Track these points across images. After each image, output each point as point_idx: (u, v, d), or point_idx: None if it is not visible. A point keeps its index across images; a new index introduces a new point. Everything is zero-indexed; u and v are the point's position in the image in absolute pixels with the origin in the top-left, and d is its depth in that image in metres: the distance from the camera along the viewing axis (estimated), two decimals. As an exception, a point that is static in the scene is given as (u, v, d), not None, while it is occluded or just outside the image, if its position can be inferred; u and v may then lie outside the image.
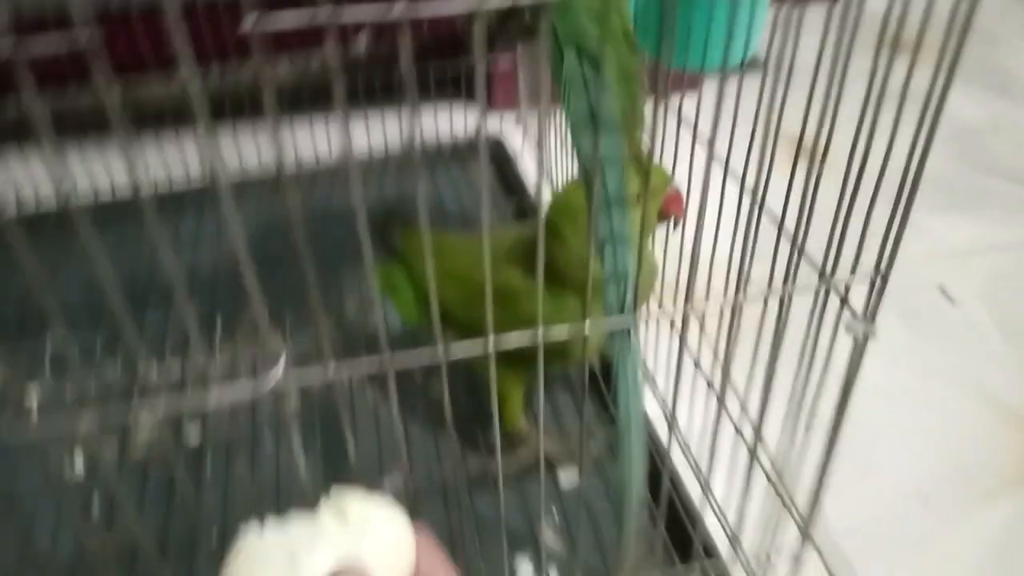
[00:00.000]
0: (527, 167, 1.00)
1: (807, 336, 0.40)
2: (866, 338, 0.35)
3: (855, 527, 0.61)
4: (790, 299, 0.38)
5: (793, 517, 0.48)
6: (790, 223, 0.41)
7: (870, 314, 0.35)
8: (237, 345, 0.73)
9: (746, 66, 0.46)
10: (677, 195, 0.53)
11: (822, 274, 0.37)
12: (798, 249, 0.37)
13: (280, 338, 0.30)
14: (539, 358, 0.36)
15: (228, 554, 0.30)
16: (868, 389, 0.43)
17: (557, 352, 0.56)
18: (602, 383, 0.69)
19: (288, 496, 0.63)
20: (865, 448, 0.67)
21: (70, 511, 0.63)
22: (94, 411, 0.30)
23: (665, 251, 0.57)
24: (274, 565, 0.29)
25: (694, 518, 0.57)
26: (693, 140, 0.52)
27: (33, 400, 0.72)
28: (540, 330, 0.35)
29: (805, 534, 0.47)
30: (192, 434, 0.68)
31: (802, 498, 0.47)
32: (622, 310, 0.39)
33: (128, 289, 0.27)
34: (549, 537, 0.59)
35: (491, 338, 0.34)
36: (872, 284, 0.34)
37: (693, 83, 0.58)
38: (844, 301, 0.37)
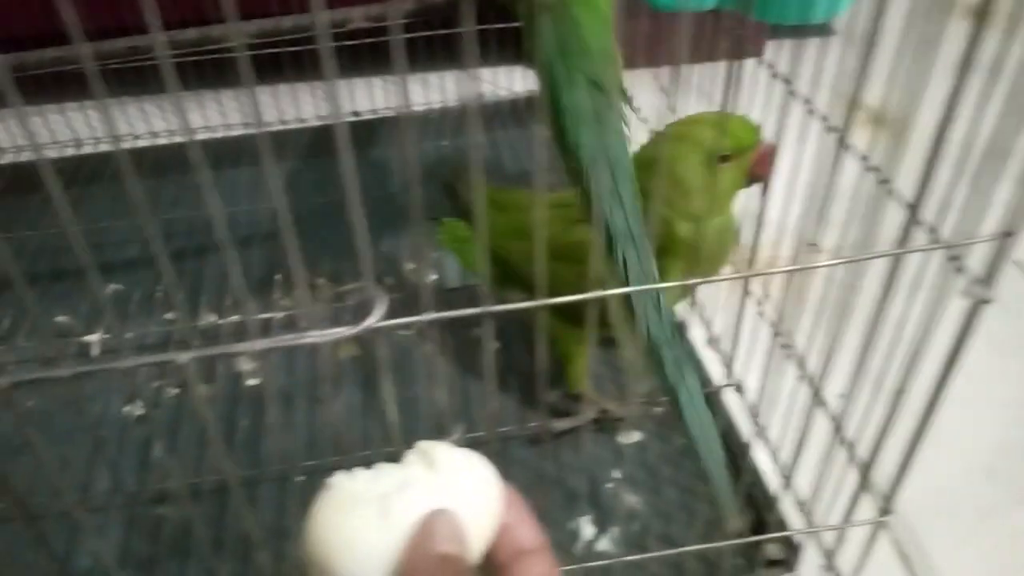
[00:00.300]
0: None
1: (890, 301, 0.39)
2: (984, 303, 0.34)
3: (920, 500, 0.59)
4: (896, 261, 0.37)
5: (864, 491, 0.47)
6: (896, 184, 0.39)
7: (989, 276, 0.34)
8: (321, 290, 0.73)
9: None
10: (766, 154, 0.51)
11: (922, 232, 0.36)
12: (912, 207, 0.35)
13: (378, 284, 0.29)
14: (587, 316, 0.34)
15: (316, 498, 0.30)
16: (938, 358, 0.41)
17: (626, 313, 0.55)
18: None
19: (346, 444, 0.63)
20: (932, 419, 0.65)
21: (131, 453, 0.63)
22: (188, 350, 0.30)
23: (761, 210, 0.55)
24: (365, 508, 0.28)
25: (766, 493, 0.56)
26: (787, 95, 0.50)
27: (96, 345, 0.72)
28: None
29: (886, 509, 0.46)
30: (251, 381, 0.69)
31: (876, 470, 0.46)
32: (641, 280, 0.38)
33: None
34: (613, 498, 0.59)
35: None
36: (997, 246, 0.33)
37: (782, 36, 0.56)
38: (960, 263, 0.35)
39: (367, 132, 0.98)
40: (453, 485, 0.30)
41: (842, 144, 0.37)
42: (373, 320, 0.31)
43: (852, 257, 0.37)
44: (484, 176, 0.60)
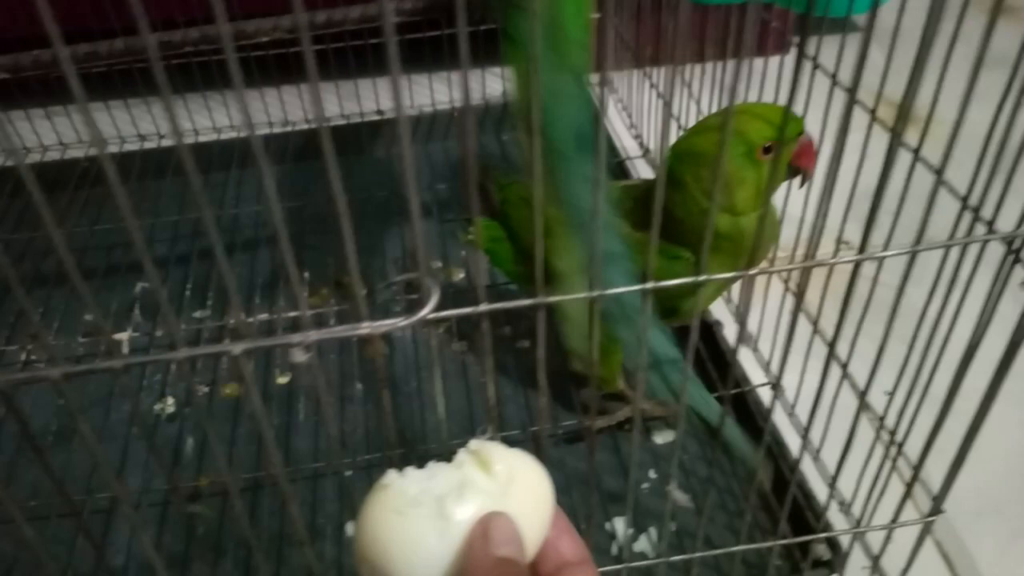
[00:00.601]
0: (615, 126, 0.97)
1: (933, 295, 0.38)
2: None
3: (963, 501, 0.58)
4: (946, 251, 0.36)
5: (903, 489, 0.46)
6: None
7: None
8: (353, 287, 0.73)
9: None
10: (809, 146, 0.50)
11: (981, 223, 0.35)
12: (966, 200, 0.35)
13: (433, 276, 0.28)
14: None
15: (368, 496, 0.29)
16: (981, 355, 0.40)
17: (666, 311, 0.54)
18: (702, 349, 0.67)
19: (379, 442, 0.62)
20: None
21: (162, 451, 0.63)
22: (244, 344, 0.29)
23: (805, 203, 0.54)
24: (422, 510, 0.28)
25: (810, 494, 0.55)
26: (832, 85, 0.50)
27: (126, 343, 0.72)
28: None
29: (936, 509, 0.45)
30: (281, 380, 0.68)
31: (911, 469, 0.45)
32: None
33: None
34: (650, 498, 0.58)
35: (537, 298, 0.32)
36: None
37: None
38: (1017, 255, 0.35)
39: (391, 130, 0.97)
40: (509, 487, 0.29)
41: (896, 139, 0.36)
42: (427, 311, 0.30)
43: (908, 248, 0.36)
44: (514, 173, 0.60)
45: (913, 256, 0.38)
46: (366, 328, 0.30)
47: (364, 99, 0.97)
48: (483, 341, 0.31)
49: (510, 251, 0.62)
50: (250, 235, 0.83)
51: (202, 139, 0.97)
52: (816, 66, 0.50)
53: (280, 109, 0.96)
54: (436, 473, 0.29)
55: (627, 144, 0.93)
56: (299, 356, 0.30)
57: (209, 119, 0.98)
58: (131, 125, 0.95)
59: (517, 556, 0.27)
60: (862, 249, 0.35)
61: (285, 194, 0.87)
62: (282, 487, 0.33)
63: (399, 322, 0.30)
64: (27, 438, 0.31)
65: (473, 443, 0.31)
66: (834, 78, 0.50)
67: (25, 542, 0.33)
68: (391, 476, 0.30)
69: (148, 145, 0.95)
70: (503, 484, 0.29)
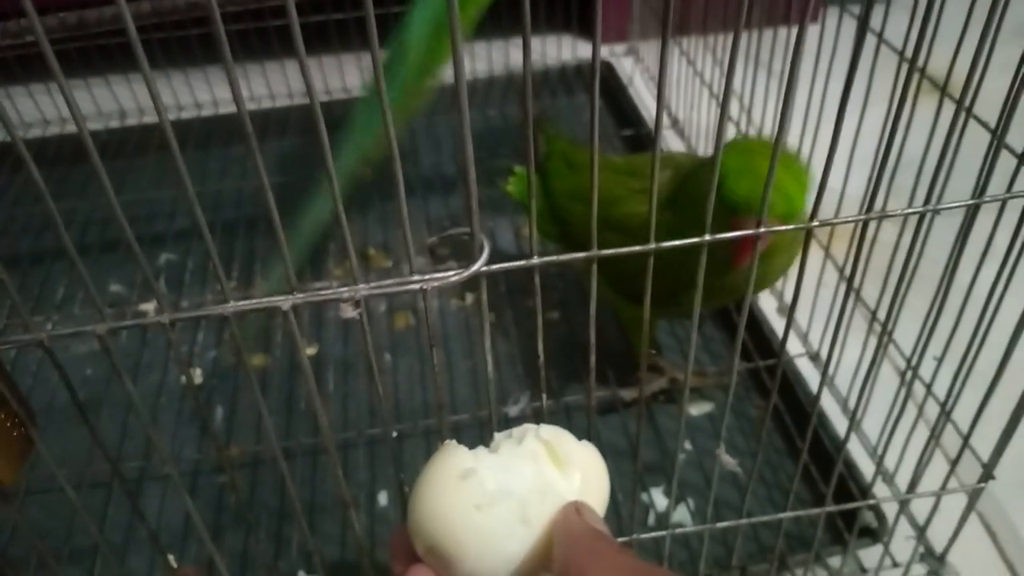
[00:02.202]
0: (642, 96, 0.95)
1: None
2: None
3: (1007, 473, 0.57)
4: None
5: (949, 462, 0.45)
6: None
7: None
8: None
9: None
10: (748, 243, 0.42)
11: None
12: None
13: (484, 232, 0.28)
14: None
15: (430, 479, 0.28)
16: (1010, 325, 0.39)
17: (684, 288, 0.53)
18: (734, 317, 0.66)
19: (410, 411, 0.62)
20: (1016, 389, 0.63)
21: (190, 422, 0.63)
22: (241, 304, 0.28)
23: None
24: (503, 510, 0.27)
25: (851, 466, 0.54)
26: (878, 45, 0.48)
27: (151, 313, 0.72)
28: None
29: (987, 475, 0.44)
30: (309, 351, 0.67)
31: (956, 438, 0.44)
32: None
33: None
34: (686, 469, 0.57)
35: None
36: None
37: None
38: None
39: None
40: (584, 488, 0.29)
41: (965, 108, 0.35)
42: (480, 264, 0.29)
43: (966, 201, 0.34)
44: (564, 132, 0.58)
45: (968, 219, 0.36)
46: (417, 282, 0.29)
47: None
48: (532, 296, 0.30)
49: (544, 207, 0.61)
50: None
51: (217, 112, 0.96)
52: (881, 41, 0.48)
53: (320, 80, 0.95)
54: (511, 464, 0.29)
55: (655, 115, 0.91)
56: (348, 312, 0.29)
57: (247, 89, 0.97)
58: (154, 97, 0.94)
59: (607, 533, 0.27)
60: (926, 201, 0.33)
61: (306, 165, 0.86)
62: (326, 442, 0.32)
63: (450, 275, 0.29)
64: (70, 392, 0.30)
65: (544, 430, 0.30)
66: (901, 54, 0.48)
67: (59, 512, 0.33)
68: (460, 453, 0.29)
69: (168, 117, 0.94)
70: (579, 487, 0.29)
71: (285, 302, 0.28)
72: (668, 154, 0.58)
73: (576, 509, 0.27)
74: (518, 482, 0.28)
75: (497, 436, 0.30)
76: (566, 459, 0.29)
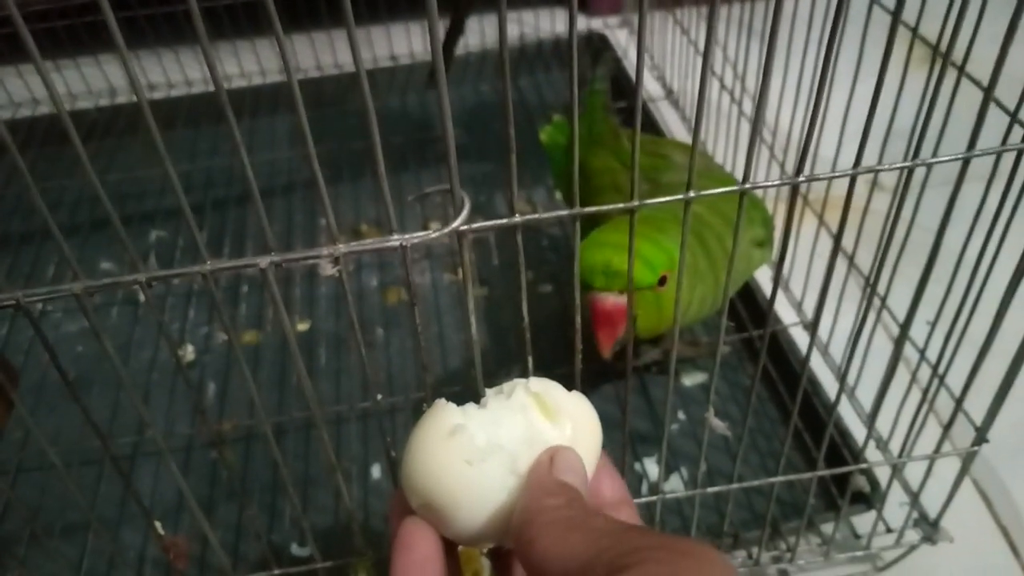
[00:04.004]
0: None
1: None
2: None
3: (1001, 438, 0.57)
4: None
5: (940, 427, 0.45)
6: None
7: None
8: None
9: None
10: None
11: None
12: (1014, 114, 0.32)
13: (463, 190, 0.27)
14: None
15: (421, 438, 0.28)
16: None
17: None
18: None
19: (402, 385, 0.62)
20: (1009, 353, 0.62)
21: (183, 398, 0.62)
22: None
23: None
24: (492, 464, 0.27)
25: (844, 433, 0.53)
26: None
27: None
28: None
29: (981, 439, 0.43)
30: (301, 327, 0.67)
31: (948, 405, 0.44)
32: None
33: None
34: (680, 438, 0.57)
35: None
36: None
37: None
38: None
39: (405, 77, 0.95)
40: (574, 438, 0.28)
41: (951, 62, 0.34)
42: (459, 222, 0.28)
43: (957, 155, 0.34)
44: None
45: (960, 175, 0.36)
46: (396, 240, 0.29)
47: (377, 45, 0.95)
48: (494, 289, 0.30)
49: (563, 160, 0.61)
50: (264, 184, 0.81)
51: (207, 89, 0.95)
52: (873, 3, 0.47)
53: (311, 56, 0.94)
54: (501, 418, 0.28)
55: (649, 87, 0.91)
56: (328, 270, 0.29)
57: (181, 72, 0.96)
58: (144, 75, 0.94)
59: (579, 486, 0.26)
60: (914, 156, 0.33)
61: (296, 142, 0.85)
62: (315, 416, 0.32)
63: (431, 233, 0.29)
64: (52, 357, 0.30)
65: (533, 382, 0.29)
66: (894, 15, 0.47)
67: (51, 489, 0.32)
68: (449, 409, 0.29)
69: (157, 95, 0.93)
70: (569, 437, 0.28)
71: (264, 260, 0.28)
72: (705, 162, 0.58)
73: (549, 458, 0.27)
74: (507, 435, 0.28)
75: (488, 392, 0.30)
76: (556, 410, 0.29)
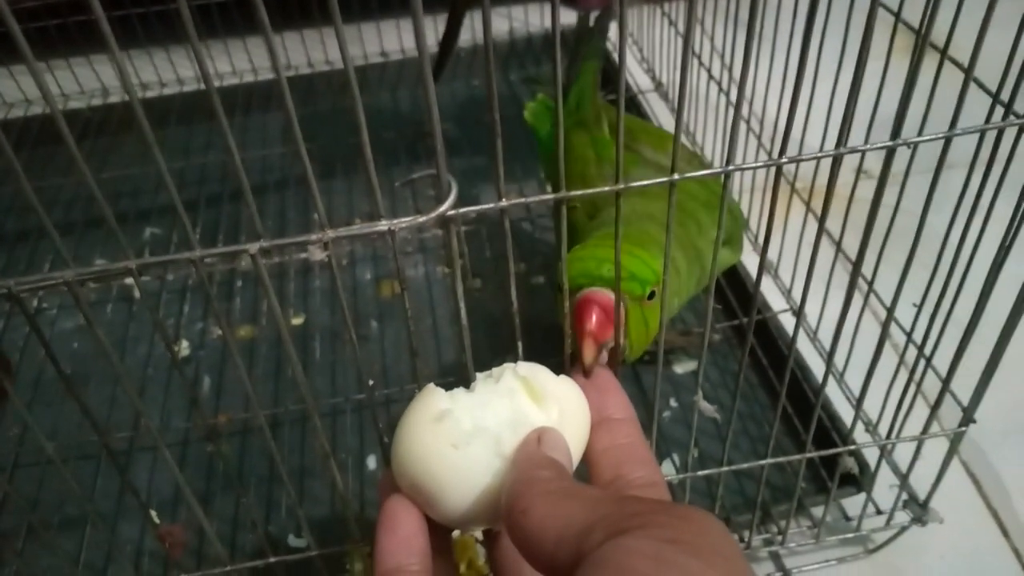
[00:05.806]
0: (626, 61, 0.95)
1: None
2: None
3: (990, 420, 0.57)
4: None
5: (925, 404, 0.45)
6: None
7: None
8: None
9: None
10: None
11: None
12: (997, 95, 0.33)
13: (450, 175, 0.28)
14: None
15: (409, 422, 0.29)
16: (1007, 279, 0.39)
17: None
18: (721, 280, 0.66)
19: (397, 377, 0.62)
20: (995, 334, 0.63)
21: (178, 393, 0.63)
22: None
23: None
24: (478, 447, 0.28)
25: (833, 417, 0.54)
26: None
27: (135, 287, 0.72)
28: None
29: (968, 419, 0.44)
30: (296, 321, 0.68)
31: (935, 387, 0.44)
32: None
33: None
34: (671, 426, 0.57)
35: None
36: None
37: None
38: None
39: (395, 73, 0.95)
40: (561, 422, 0.29)
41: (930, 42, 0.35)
42: (446, 207, 0.29)
43: (939, 134, 0.34)
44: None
45: (942, 154, 0.36)
46: (384, 225, 0.29)
47: (368, 42, 0.95)
48: (485, 282, 0.30)
49: (546, 140, 0.61)
50: (256, 180, 0.81)
51: (200, 87, 0.95)
52: None
53: (302, 54, 0.95)
54: (488, 401, 0.29)
55: (639, 79, 0.91)
56: (317, 254, 0.29)
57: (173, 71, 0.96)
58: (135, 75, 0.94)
59: (565, 463, 0.27)
60: (895, 136, 0.33)
61: (288, 139, 0.86)
62: (308, 407, 0.32)
63: (418, 218, 0.29)
64: (44, 347, 0.30)
65: (521, 367, 0.30)
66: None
67: (49, 483, 0.32)
68: (437, 394, 0.29)
69: (150, 94, 0.93)
70: (556, 420, 0.29)
71: (253, 247, 0.28)
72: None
73: (537, 436, 0.27)
74: (493, 418, 0.28)
75: (478, 376, 0.30)
76: (543, 394, 0.29)
